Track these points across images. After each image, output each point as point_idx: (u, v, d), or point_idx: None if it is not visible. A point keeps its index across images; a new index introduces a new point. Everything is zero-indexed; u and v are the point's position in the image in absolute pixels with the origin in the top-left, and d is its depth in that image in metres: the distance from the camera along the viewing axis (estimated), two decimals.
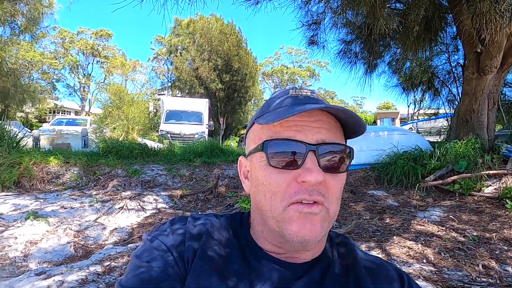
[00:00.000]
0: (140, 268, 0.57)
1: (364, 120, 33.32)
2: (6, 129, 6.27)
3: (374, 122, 32.35)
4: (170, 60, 25.41)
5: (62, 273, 2.60)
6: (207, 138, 12.43)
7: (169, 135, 12.32)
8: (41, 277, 2.59)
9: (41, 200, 4.98)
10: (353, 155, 0.63)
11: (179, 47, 23.70)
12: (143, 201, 5.19)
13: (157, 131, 13.57)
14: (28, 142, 7.16)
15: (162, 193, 5.60)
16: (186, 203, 5.44)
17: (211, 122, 16.05)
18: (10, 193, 5.23)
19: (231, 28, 22.15)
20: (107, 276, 2.48)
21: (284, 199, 0.57)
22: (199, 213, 1.07)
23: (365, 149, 5.92)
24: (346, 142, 0.65)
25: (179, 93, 24.80)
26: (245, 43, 23.06)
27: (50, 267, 3.23)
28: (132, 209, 4.92)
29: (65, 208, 4.72)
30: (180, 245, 0.62)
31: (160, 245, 0.61)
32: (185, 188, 5.85)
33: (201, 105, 15.22)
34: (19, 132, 6.59)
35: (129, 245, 3.54)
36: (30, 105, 22.56)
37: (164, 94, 26.27)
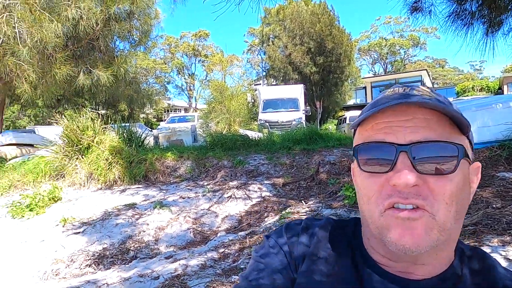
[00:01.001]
0: (257, 264, 0.65)
1: (486, 88, 28.28)
2: (133, 131, 7.36)
3: (500, 89, 27.04)
4: (263, 50, 25.96)
5: (185, 258, 2.94)
6: (304, 124, 12.37)
7: (267, 124, 12.69)
8: (169, 260, 2.98)
9: (164, 191, 5.70)
10: (466, 151, 0.55)
11: (270, 36, 23.99)
12: (249, 190, 5.48)
13: (256, 121, 14.11)
14: (150, 140, 8.27)
15: (265, 182, 5.82)
16: (288, 190, 5.54)
17: (307, 107, 15.91)
18: (140, 186, 6.14)
19: (322, 8, 21.35)
20: (222, 262, 2.70)
21: (379, 204, 0.54)
22: (314, 217, 1.09)
23: (491, 124, 5.04)
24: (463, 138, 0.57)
25: (274, 81, 25.21)
26: (337, 21, 21.97)
27: (175, 251, 3.69)
28: (239, 197, 5.25)
29: (183, 198, 5.31)
30: (292, 245, 0.66)
31: (275, 245, 0.67)
32: (287, 176, 5.95)
33: (296, 91, 15.20)
34: (142, 133, 7.64)
35: (240, 233, 3.79)
36: (149, 106, 25.98)
37: (260, 84, 27.09)
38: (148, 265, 2.90)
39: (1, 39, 7.87)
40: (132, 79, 15.85)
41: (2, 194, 6.70)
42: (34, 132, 13.36)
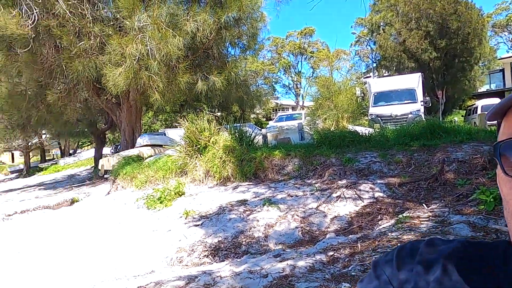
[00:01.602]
0: None
1: None
2: (244, 131, 7.77)
3: None
4: (372, 40, 24.30)
5: (293, 258, 2.90)
6: (423, 117, 11.05)
7: (379, 118, 11.79)
8: (277, 259, 2.99)
9: (272, 189, 5.82)
10: None
11: (381, 24, 22.27)
12: (359, 190, 5.15)
13: (367, 116, 13.27)
14: (259, 139, 8.59)
15: (378, 181, 5.37)
16: (405, 191, 4.99)
17: (426, 97, 14.16)
18: (251, 183, 6.42)
19: None
20: (331, 267, 2.56)
21: None
22: (438, 237, 0.88)
23: None
24: None
25: (386, 72, 23.33)
26: None
27: (284, 249, 3.70)
28: (349, 197, 4.98)
29: (291, 196, 5.31)
30: (405, 278, 0.51)
31: (382, 275, 0.54)
32: (403, 176, 5.38)
33: (413, 80, 13.69)
34: (252, 132, 7.99)
35: (350, 236, 3.57)
36: (259, 107, 27.22)
37: (370, 77, 25.44)
38: (258, 262, 2.96)
39: (138, 57, 9.28)
40: (242, 82, 16.79)
41: (140, 187, 7.92)
42: (164, 134, 15.38)
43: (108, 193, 9.93)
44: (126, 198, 7.39)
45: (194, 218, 4.96)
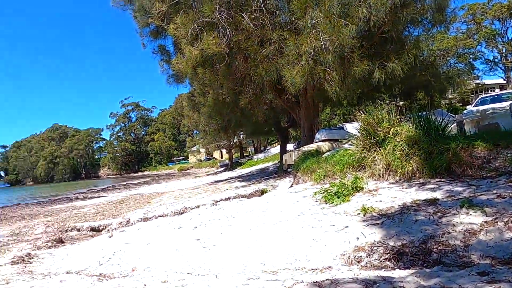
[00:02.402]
0: None
1: None
2: (431, 119, 6.65)
3: None
4: None
5: (509, 281, 2.16)
6: None
7: None
8: (484, 278, 2.31)
9: (473, 187, 4.69)
10: None
11: None
12: None
13: None
14: (452, 128, 7.18)
15: None
16: None
17: None
18: (442, 179, 5.41)
19: None
20: None
21: None
22: None
23: None
24: None
25: None
26: None
27: (493, 265, 2.86)
28: None
29: (503, 198, 4.12)
30: None
31: None
32: None
33: None
34: (442, 120, 6.75)
35: None
36: (451, 91, 23.11)
37: None
38: (455, 277, 2.37)
39: (312, 53, 9.51)
40: (429, 64, 14.64)
41: (318, 181, 8.06)
42: (343, 129, 15.25)
43: (291, 185, 10.65)
44: (306, 191, 7.67)
45: (373, 216, 4.58)
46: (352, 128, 12.38)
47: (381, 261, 3.65)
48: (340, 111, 34.16)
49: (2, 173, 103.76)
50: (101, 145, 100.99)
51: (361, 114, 7.27)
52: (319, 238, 4.36)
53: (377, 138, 6.70)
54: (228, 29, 10.41)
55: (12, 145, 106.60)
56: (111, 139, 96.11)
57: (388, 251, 3.70)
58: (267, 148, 43.53)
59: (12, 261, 6.18)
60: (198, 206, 9.97)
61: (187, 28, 10.14)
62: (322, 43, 9.28)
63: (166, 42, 15.96)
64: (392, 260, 3.60)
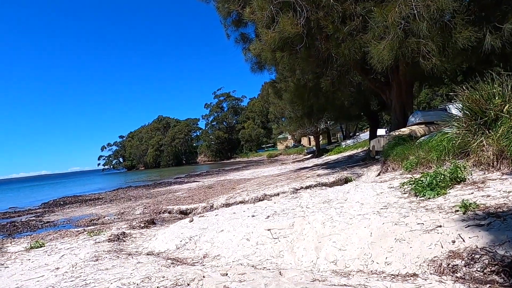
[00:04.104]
0: None
1: None
2: None
3: None
4: None
5: None
6: None
7: None
8: None
9: None
10: None
11: None
12: None
13: None
14: None
15: None
16: None
17: None
18: None
19: None
20: None
21: None
22: None
23: None
24: None
25: None
26: None
27: None
28: None
29: None
30: None
31: None
32: None
33: None
34: None
35: None
36: None
37: None
38: None
39: (402, 23, 8.28)
40: None
41: (410, 170, 7.05)
42: (446, 110, 13.29)
43: (378, 174, 9.67)
44: (393, 181, 6.78)
45: (476, 214, 3.66)
46: (457, 109, 10.61)
47: (485, 273, 2.85)
48: (443, 91, 30.11)
49: (121, 159, 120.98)
50: (198, 134, 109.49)
51: (464, 90, 6.01)
52: (403, 238, 3.67)
53: (486, 119, 5.44)
54: (306, 7, 9.76)
55: (127, 135, 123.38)
56: (206, 128, 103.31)
57: (495, 262, 2.87)
58: (357, 133, 41.18)
59: (109, 239, 6.90)
60: (278, 194, 9.79)
61: (263, 11, 9.82)
62: (415, 11, 7.99)
63: (247, 30, 16.04)
64: (502, 275, 2.77)
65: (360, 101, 17.51)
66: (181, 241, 5.87)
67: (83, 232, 8.26)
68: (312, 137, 46.39)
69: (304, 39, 10.18)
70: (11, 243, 8.54)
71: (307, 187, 9.93)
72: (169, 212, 10.70)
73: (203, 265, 4.40)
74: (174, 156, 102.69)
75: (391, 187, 6.12)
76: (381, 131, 15.73)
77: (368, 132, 29.01)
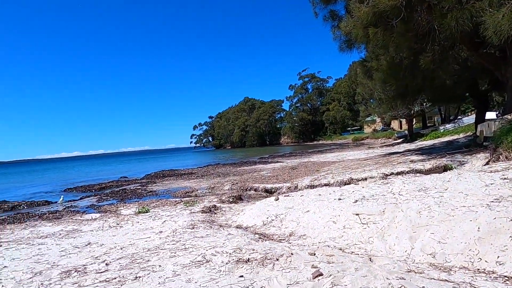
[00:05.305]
0: None
1: None
2: None
3: None
4: None
5: None
6: None
7: None
8: None
9: None
10: None
11: None
12: None
13: None
14: None
15: None
16: None
17: None
18: None
19: None
20: None
21: None
22: None
23: None
24: None
25: None
26: None
27: None
28: None
29: None
30: None
31: None
32: None
33: None
34: None
35: None
36: None
37: None
38: None
39: None
40: None
41: None
42: None
43: (487, 163, 8.50)
44: (508, 171, 5.88)
45: None
46: None
47: None
48: None
49: (210, 138, 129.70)
50: (282, 115, 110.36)
51: None
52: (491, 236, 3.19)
53: None
54: None
55: (216, 115, 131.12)
56: (290, 109, 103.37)
57: None
58: (458, 117, 36.55)
59: (202, 210, 7.53)
60: (365, 179, 9.37)
61: None
62: None
63: (337, 7, 15.27)
64: None
65: (466, 80, 15.33)
66: (267, 218, 6.08)
67: (180, 202, 9.15)
68: (404, 120, 42.87)
69: (402, 11, 9.25)
70: (123, 207, 9.96)
71: (398, 173, 9.27)
72: (255, 190, 11.14)
73: (289, 243, 4.49)
74: (258, 137, 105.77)
75: (504, 178, 5.31)
76: (491, 114, 13.67)
77: (473, 116, 25.54)
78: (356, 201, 5.66)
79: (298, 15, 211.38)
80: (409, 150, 18.95)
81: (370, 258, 3.45)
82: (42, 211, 10.93)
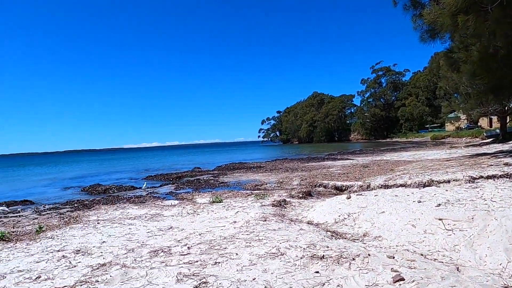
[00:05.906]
0: None
1: None
2: None
3: None
4: None
5: None
6: None
7: None
8: None
9: None
10: None
11: None
12: None
13: None
14: None
15: None
16: None
17: None
18: None
19: None
20: None
21: None
22: None
23: None
24: None
25: None
26: None
27: None
28: None
29: None
30: None
31: None
32: None
33: None
34: None
35: None
36: None
37: None
38: None
39: None
40: None
41: None
42: None
43: None
44: None
45: None
46: None
47: None
48: None
49: (278, 133, 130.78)
50: (352, 111, 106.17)
51: None
52: None
53: None
54: None
55: (284, 110, 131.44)
56: (361, 105, 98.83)
57: None
58: None
59: (272, 204, 7.67)
60: (448, 181, 8.60)
61: None
62: None
63: None
64: None
65: None
66: (339, 216, 5.97)
67: (250, 195, 9.44)
68: (495, 118, 38.08)
69: None
70: (198, 195, 10.62)
71: (488, 177, 8.30)
72: (324, 187, 10.96)
73: (364, 243, 4.36)
74: (327, 133, 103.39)
75: None
76: None
77: None
78: (439, 205, 5.24)
79: (371, 7, 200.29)
80: (502, 152, 16.82)
81: (458, 268, 3.19)
82: (129, 195, 12.20)
